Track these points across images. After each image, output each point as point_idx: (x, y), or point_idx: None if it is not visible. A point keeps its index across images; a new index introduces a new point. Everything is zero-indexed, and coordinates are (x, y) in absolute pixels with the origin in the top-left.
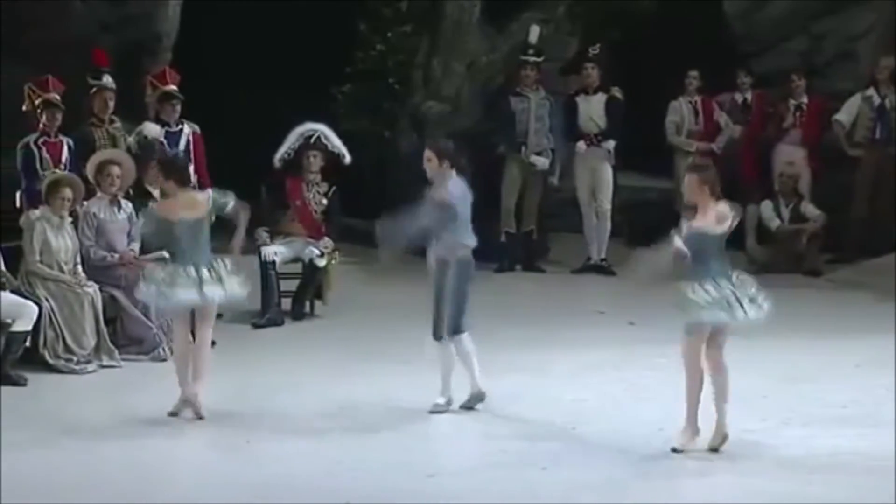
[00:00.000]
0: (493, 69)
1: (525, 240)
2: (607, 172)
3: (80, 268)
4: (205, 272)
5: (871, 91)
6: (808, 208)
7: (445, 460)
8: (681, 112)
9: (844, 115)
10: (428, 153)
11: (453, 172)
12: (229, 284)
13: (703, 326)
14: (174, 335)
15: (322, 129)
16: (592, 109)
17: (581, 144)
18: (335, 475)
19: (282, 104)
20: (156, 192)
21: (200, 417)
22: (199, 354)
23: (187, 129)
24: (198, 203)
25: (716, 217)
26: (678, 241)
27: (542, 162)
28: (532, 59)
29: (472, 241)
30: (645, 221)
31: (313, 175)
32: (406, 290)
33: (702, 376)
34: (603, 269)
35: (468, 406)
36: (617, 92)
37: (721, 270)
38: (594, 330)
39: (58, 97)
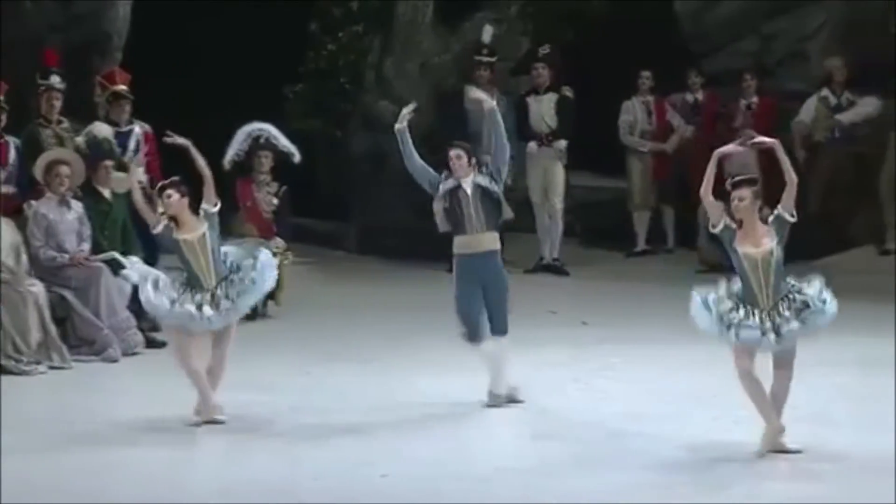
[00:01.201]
0: (445, 69)
1: None
2: (559, 172)
3: (22, 266)
4: (218, 292)
5: (825, 92)
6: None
7: (401, 462)
8: (634, 112)
9: (805, 116)
10: (458, 152)
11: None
12: (242, 302)
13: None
14: (184, 350)
15: (268, 128)
16: (543, 109)
17: (532, 145)
18: (294, 477)
19: (234, 104)
20: (105, 192)
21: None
22: (216, 371)
23: (138, 129)
24: (195, 221)
25: (762, 236)
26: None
27: None
28: (485, 58)
29: None
30: (597, 221)
31: (263, 176)
32: (359, 290)
33: (758, 383)
34: (556, 269)
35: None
36: (567, 91)
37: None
38: (547, 329)
39: (1, 97)
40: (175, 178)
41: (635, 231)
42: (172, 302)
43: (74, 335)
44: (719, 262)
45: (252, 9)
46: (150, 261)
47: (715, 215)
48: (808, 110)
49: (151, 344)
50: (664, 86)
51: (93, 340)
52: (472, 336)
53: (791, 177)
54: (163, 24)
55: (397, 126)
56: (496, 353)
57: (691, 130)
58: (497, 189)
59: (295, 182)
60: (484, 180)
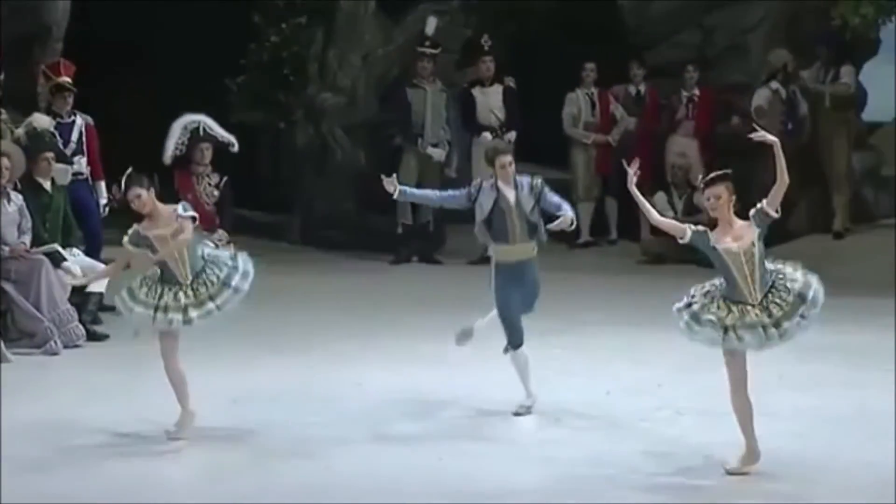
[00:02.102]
0: (389, 61)
1: (421, 231)
2: None
3: None
4: (190, 294)
5: (776, 84)
6: (701, 199)
7: (340, 449)
8: (577, 104)
9: (762, 101)
10: (509, 158)
11: None
12: (216, 301)
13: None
14: (166, 358)
15: (203, 118)
16: (491, 101)
17: (486, 135)
18: (220, 470)
19: (175, 96)
20: (46, 185)
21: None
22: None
23: (80, 120)
24: (168, 215)
25: (741, 230)
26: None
27: (438, 153)
28: (429, 50)
29: None
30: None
31: (203, 167)
32: (302, 281)
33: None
34: None
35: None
36: (511, 82)
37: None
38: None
39: None
40: (131, 173)
41: (578, 223)
42: (155, 309)
43: (15, 328)
44: (661, 254)
45: (195, 1)
46: (92, 253)
47: (677, 230)
48: (762, 98)
49: (93, 337)
50: (607, 78)
51: (33, 333)
52: (516, 340)
53: (783, 178)
54: (104, 15)
55: (395, 196)
56: (526, 359)
57: (634, 122)
58: (535, 217)
59: (238, 174)
60: (528, 202)
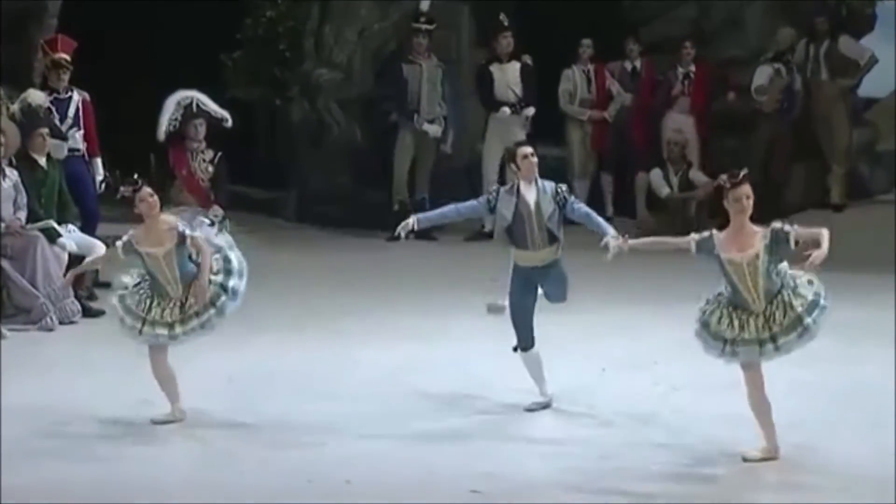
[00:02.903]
0: (384, 36)
1: (417, 208)
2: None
3: None
4: (176, 311)
5: (778, 64)
6: (697, 175)
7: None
8: (574, 80)
9: (764, 80)
10: (529, 149)
11: None
12: (202, 319)
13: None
14: (153, 361)
15: (196, 94)
16: (509, 77)
17: (505, 110)
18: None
19: (171, 72)
20: (41, 161)
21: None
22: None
23: (76, 96)
24: (163, 229)
25: (749, 238)
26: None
27: (434, 129)
28: (424, 26)
29: None
30: None
31: (198, 144)
32: (297, 258)
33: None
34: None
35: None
36: (528, 59)
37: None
38: (486, 297)
39: None
40: (136, 179)
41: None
42: (143, 322)
43: (10, 304)
44: (657, 231)
45: None
46: (87, 229)
47: (683, 244)
48: (763, 76)
49: (88, 313)
50: (603, 54)
51: (29, 309)
52: (525, 342)
53: (825, 246)
54: None
55: (415, 228)
56: (537, 359)
57: (630, 98)
58: (553, 223)
59: (234, 150)
60: (548, 207)
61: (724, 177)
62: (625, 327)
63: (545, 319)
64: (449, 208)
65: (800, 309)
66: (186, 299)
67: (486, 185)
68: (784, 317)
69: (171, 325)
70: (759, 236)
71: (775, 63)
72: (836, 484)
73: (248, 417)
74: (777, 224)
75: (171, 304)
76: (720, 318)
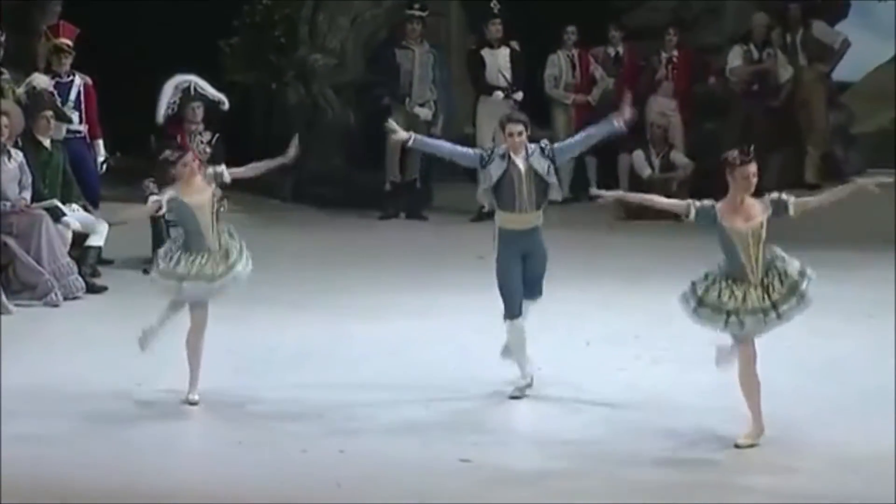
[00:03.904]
0: (376, 23)
1: (409, 188)
2: None
3: None
4: (217, 257)
5: (748, 46)
6: (678, 157)
7: (334, 404)
8: (559, 65)
9: (737, 61)
10: (519, 128)
11: None
12: (239, 265)
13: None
14: (193, 324)
15: (194, 78)
16: (499, 62)
17: (498, 94)
18: (220, 416)
19: (169, 56)
20: (46, 142)
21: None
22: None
23: (78, 80)
24: (203, 185)
25: (752, 209)
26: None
27: (425, 113)
28: (417, 13)
29: None
30: None
31: (195, 126)
32: (293, 238)
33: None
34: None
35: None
36: (516, 46)
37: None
38: (476, 274)
39: None
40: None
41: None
42: (183, 279)
43: (17, 280)
44: (639, 211)
45: None
46: (90, 208)
47: (680, 208)
48: (736, 57)
49: (92, 289)
50: (587, 40)
51: (34, 285)
52: (511, 310)
53: (825, 201)
54: None
55: (410, 144)
56: (524, 337)
57: (612, 83)
58: (553, 178)
59: (232, 133)
60: (541, 165)
61: (734, 153)
62: (610, 303)
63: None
64: (445, 144)
65: (795, 276)
66: (221, 250)
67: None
68: (781, 285)
69: (211, 278)
70: (759, 207)
71: (744, 45)
72: (809, 455)
73: (246, 391)
74: (775, 195)
75: (209, 257)
76: (720, 291)
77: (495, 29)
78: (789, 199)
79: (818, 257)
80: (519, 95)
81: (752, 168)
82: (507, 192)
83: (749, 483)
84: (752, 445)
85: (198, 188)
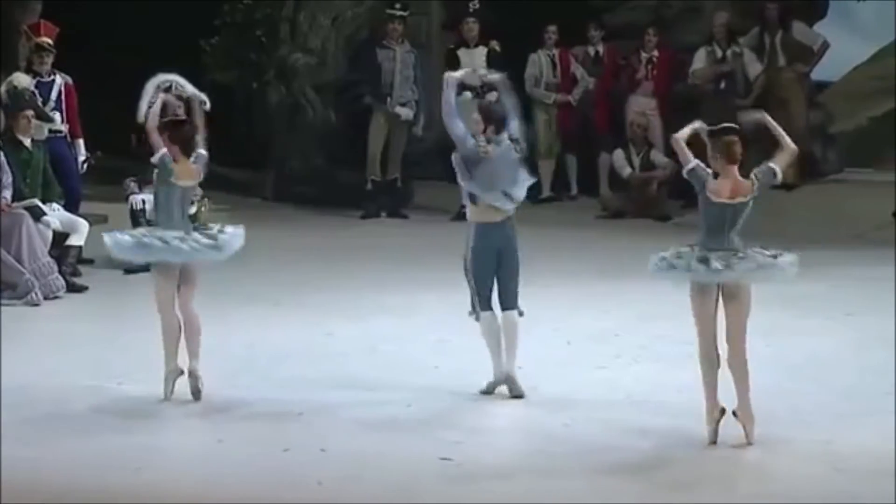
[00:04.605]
0: (357, 23)
1: (390, 187)
2: None
3: None
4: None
5: (713, 46)
6: (658, 156)
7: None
8: (539, 65)
9: (699, 66)
10: (478, 118)
11: None
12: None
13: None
14: (161, 302)
15: (175, 77)
16: (475, 62)
17: (467, 94)
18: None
19: (150, 56)
20: (26, 141)
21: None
22: (192, 327)
23: (59, 79)
24: (193, 170)
25: (738, 183)
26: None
27: (406, 112)
28: (398, 12)
29: None
30: None
31: None
32: (274, 236)
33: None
34: None
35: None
36: (496, 45)
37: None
38: (455, 273)
39: None
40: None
41: (539, 179)
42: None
43: None
44: (619, 209)
45: None
46: (70, 207)
47: (685, 157)
48: (699, 62)
49: (72, 288)
50: (567, 40)
51: (14, 284)
52: (483, 305)
53: (788, 144)
54: None
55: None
56: (498, 330)
57: (593, 82)
58: (516, 156)
59: (213, 132)
60: (507, 151)
61: (711, 128)
62: (590, 301)
63: None
64: (452, 106)
65: (767, 255)
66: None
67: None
68: (759, 253)
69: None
70: (749, 185)
71: (708, 45)
72: (791, 453)
73: (226, 389)
74: (760, 168)
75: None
76: (695, 255)
77: (468, 28)
78: (773, 167)
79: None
80: (493, 95)
81: (733, 137)
82: (482, 180)
83: (730, 482)
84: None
85: (188, 170)
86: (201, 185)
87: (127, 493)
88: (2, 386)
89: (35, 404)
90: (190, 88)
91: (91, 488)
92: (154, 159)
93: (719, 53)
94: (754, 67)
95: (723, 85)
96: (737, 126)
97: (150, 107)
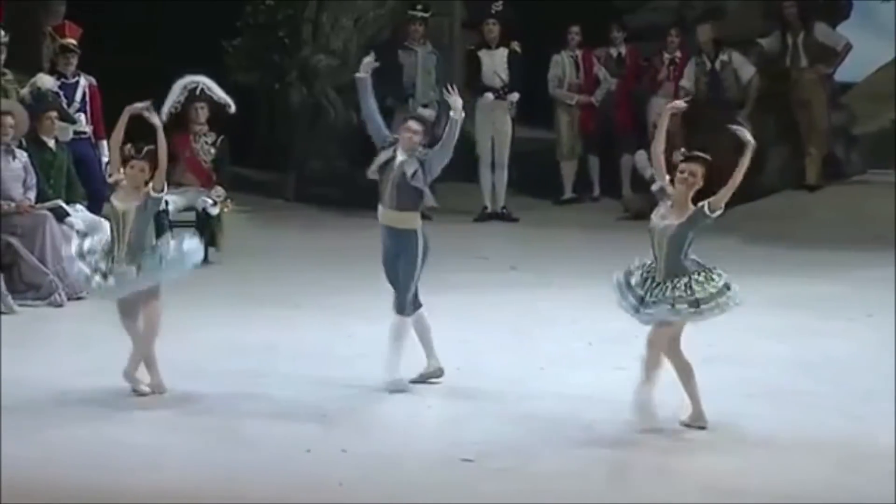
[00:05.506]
0: (379, 24)
1: None
2: (508, 124)
3: None
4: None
5: (702, 57)
6: (679, 157)
7: (333, 401)
8: (562, 66)
9: (687, 82)
10: (416, 126)
11: None
12: (146, 275)
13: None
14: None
15: (203, 79)
16: (496, 63)
17: (489, 96)
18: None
19: (173, 57)
20: (50, 142)
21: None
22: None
23: (83, 81)
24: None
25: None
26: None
27: (429, 113)
28: (420, 13)
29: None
30: (528, 170)
31: (200, 126)
32: (296, 237)
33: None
34: (504, 217)
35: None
36: (517, 47)
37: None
38: (479, 274)
39: None
40: (150, 148)
41: (562, 180)
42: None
43: (21, 281)
44: (641, 210)
45: None
46: (94, 209)
47: (660, 175)
48: (689, 75)
49: None
50: (590, 41)
51: (39, 286)
52: (401, 307)
53: (737, 179)
54: None
55: (358, 75)
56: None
57: (615, 83)
58: (420, 182)
59: (235, 133)
60: (410, 167)
61: (683, 150)
62: (611, 302)
63: (535, 294)
64: (373, 105)
65: (721, 285)
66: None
67: (480, 167)
68: (685, 292)
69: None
70: (681, 213)
71: (698, 57)
72: (808, 454)
73: (247, 388)
74: (699, 206)
75: (110, 262)
76: (637, 279)
77: (489, 30)
78: (704, 205)
79: (817, 257)
80: (514, 96)
81: (691, 167)
82: (381, 184)
83: (745, 483)
84: (701, 428)
85: (128, 195)
86: (223, 185)
87: (145, 493)
88: (23, 385)
89: (55, 404)
90: (217, 91)
91: (111, 488)
92: (110, 180)
93: (708, 65)
94: (746, 70)
95: (711, 95)
96: (703, 155)
97: (172, 107)
